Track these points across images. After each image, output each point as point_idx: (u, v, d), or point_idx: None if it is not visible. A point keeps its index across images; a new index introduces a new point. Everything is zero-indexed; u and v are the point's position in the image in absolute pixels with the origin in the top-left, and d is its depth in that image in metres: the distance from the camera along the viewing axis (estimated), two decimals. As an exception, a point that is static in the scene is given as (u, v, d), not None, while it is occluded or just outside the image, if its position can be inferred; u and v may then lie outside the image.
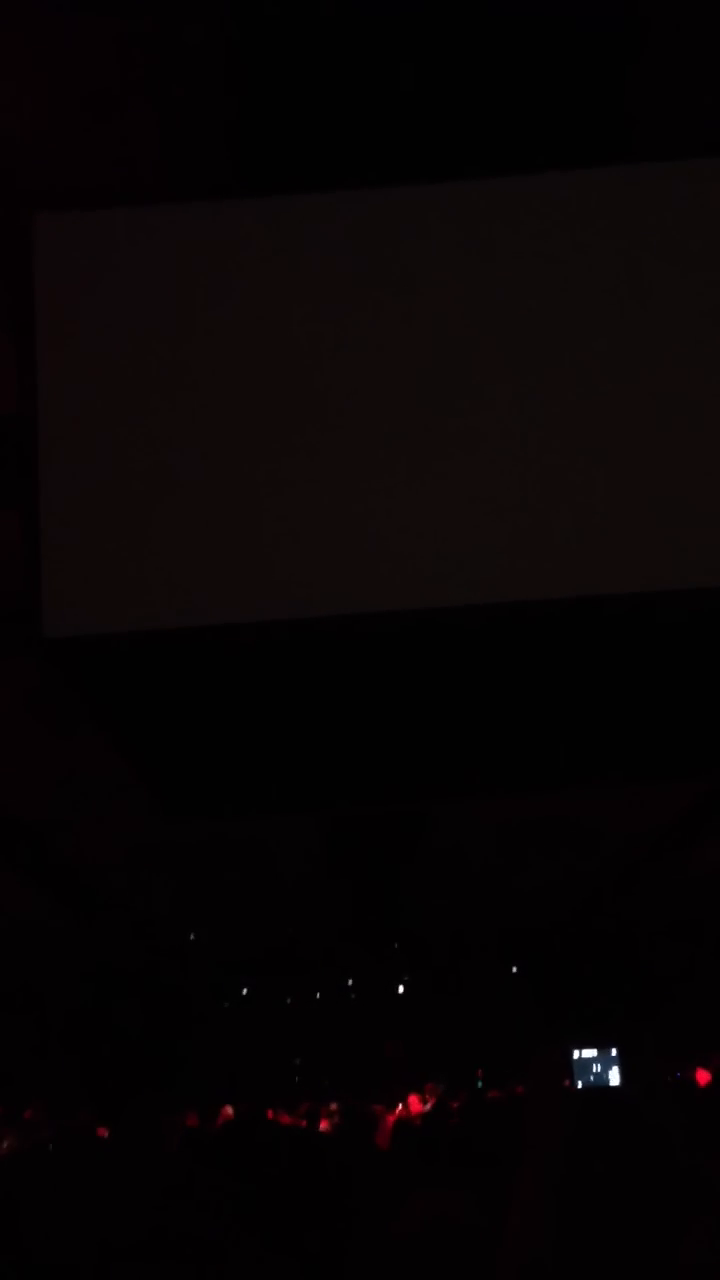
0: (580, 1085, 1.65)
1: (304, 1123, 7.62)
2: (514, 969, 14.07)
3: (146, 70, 2.97)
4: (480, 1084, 11.95)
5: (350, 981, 14.29)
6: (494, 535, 2.68)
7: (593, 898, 10.98)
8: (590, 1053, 1.67)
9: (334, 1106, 7.65)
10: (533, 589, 2.67)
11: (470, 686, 3.59)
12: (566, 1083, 1.64)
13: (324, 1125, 7.02)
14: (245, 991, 14.13)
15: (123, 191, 3.03)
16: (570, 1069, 1.65)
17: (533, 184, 3.00)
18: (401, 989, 14.35)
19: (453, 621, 2.79)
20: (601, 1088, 1.64)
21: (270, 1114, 7.92)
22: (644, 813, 7.74)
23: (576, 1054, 1.67)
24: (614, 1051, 1.64)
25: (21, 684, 4.93)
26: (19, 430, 2.78)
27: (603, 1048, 1.67)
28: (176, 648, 2.89)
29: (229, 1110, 8.69)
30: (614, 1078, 1.65)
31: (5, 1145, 6.44)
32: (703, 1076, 7.81)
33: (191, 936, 11.99)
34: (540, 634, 3.04)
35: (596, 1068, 1.66)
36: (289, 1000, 14.22)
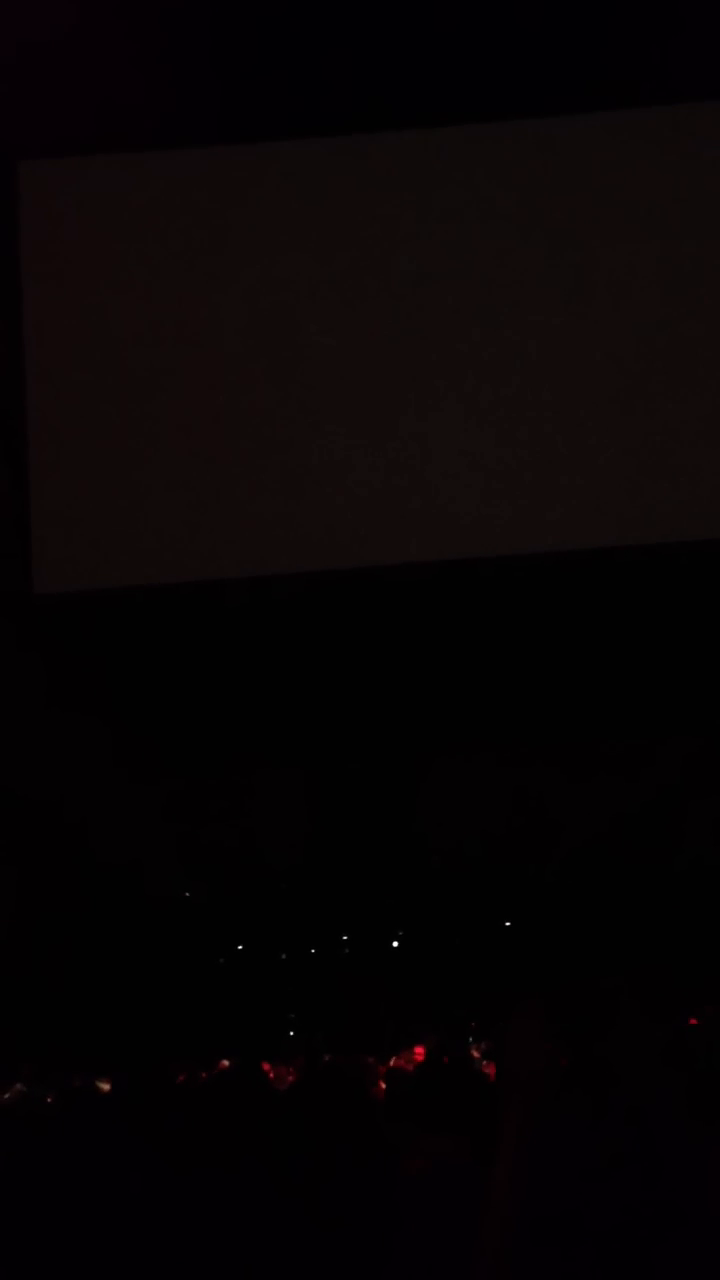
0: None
1: (290, 1077, 7.68)
2: (508, 923, 14.15)
3: (130, 22, 2.92)
4: (472, 1039, 12.05)
5: (345, 937, 14.37)
6: (471, 493, 2.67)
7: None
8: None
9: (327, 1059, 7.70)
10: (502, 545, 2.66)
11: (444, 640, 3.59)
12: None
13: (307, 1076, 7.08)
14: (240, 947, 14.21)
15: (107, 139, 2.97)
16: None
17: (520, 130, 2.96)
18: (396, 944, 14.43)
19: (429, 576, 2.77)
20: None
21: (266, 1066, 7.97)
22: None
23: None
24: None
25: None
26: (5, 389, 2.75)
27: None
28: (161, 603, 2.87)
29: (224, 1063, 8.74)
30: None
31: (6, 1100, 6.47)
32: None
33: (186, 894, 12.03)
34: (502, 590, 3.03)
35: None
36: (283, 955, 14.31)
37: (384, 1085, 5.99)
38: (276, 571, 2.74)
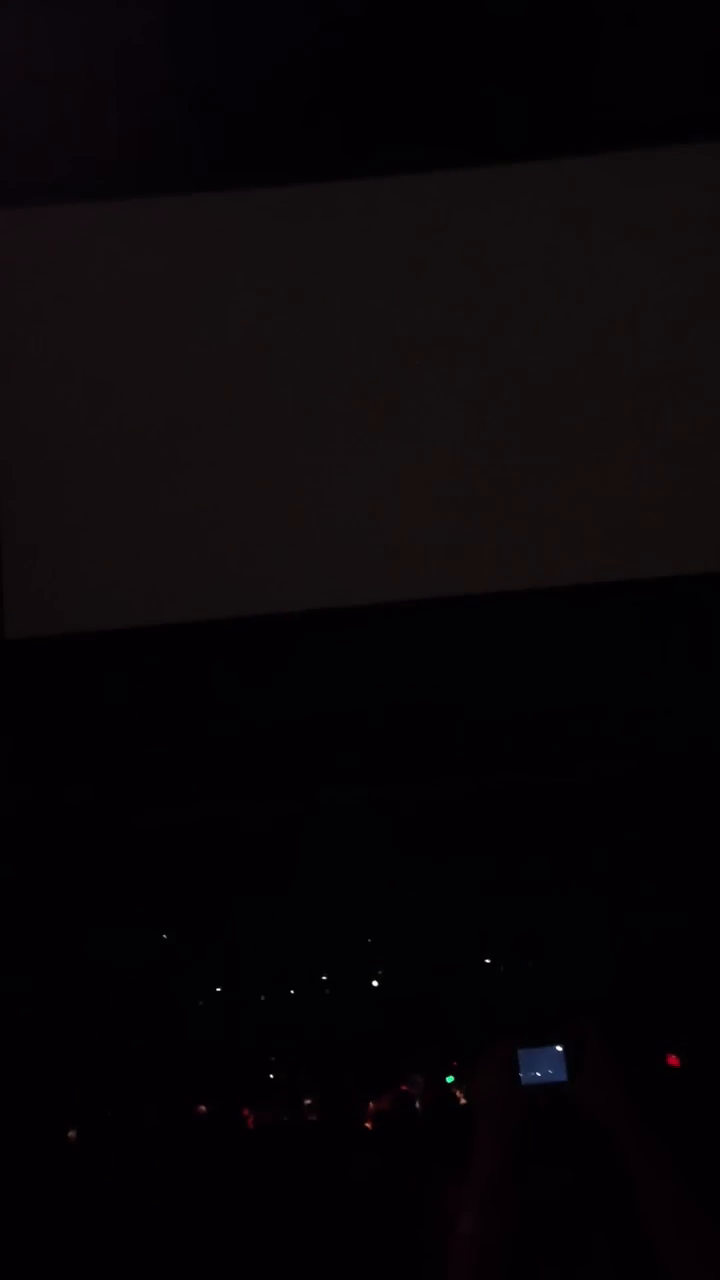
0: (527, 1082, 1.63)
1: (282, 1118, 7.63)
2: (487, 960, 14.13)
3: (94, 68, 2.95)
4: (452, 1079, 11.99)
5: (325, 977, 14.30)
6: (447, 531, 2.69)
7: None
8: (539, 1049, 1.65)
9: (308, 1101, 7.66)
10: (478, 583, 2.68)
11: (423, 675, 3.60)
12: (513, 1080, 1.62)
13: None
14: (219, 990, 14.13)
15: (72, 186, 3.00)
16: (517, 1065, 1.63)
17: (497, 175, 3.00)
18: (376, 983, 14.37)
19: (400, 616, 2.79)
20: (550, 1084, 1.63)
21: (245, 1112, 7.91)
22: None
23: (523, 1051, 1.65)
24: (559, 1047, 1.62)
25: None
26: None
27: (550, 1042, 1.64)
28: (134, 646, 2.88)
29: (201, 1109, 8.67)
30: (562, 1073, 1.64)
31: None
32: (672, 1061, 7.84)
33: (164, 937, 11.95)
34: (480, 626, 3.05)
35: (547, 1067, 1.64)
36: (262, 997, 14.22)
37: (370, 1125, 5.97)
38: (257, 612, 2.75)
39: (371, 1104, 6.78)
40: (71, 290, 2.75)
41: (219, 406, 2.66)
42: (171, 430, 2.73)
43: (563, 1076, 1.62)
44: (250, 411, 2.67)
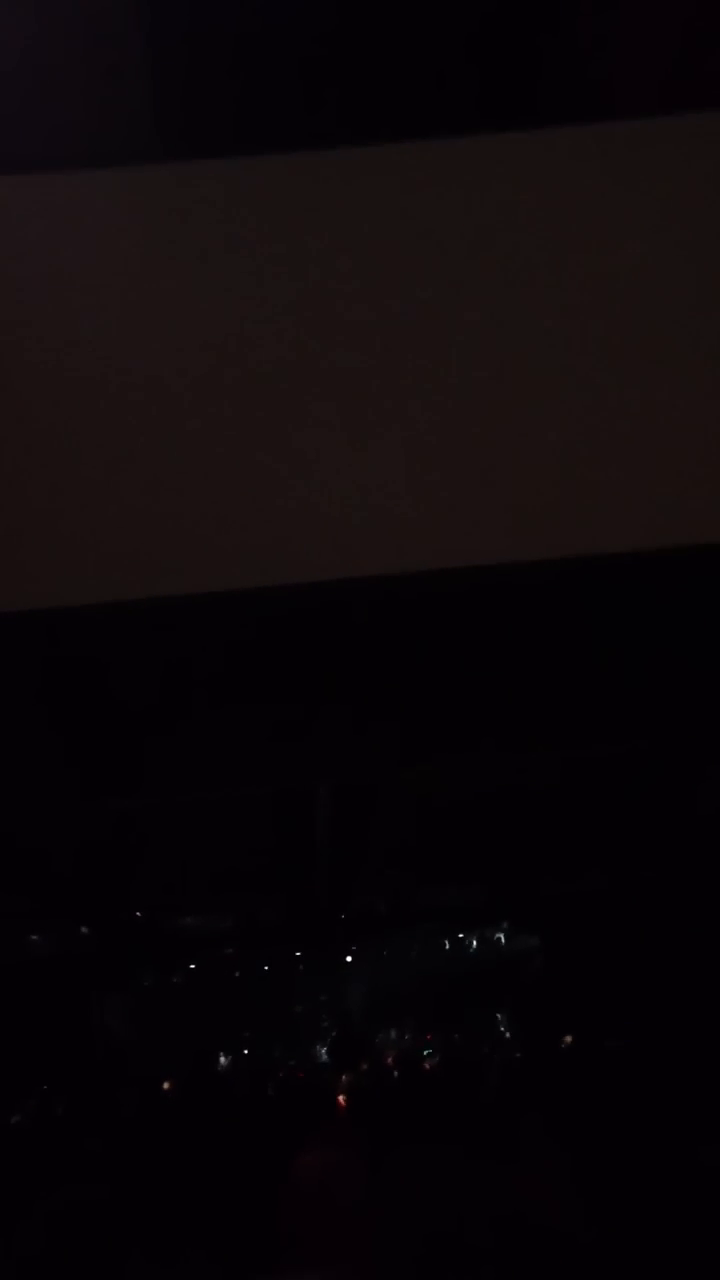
0: None
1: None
2: (460, 936, 14.22)
3: (67, 37, 2.92)
4: (428, 1051, 12.08)
5: (298, 953, 14.35)
6: (428, 506, 2.68)
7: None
8: None
9: (282, 1074, 7.69)
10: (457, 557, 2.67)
11: (405, 653, 3.60)
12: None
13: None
14: (193, 967, 14.14)
15: (44, 158, 2.97)
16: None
17: (462, 149, 2.98)
18: (350, 959, 14.43)
19: (378, 591, 2.78)
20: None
21: (222, 1089, 7.95)
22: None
23: None
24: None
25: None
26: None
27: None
28: (115, 621, 2.86)
29: (166, 1085, 8.69)
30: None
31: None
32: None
33: (137, 914, 11.95)
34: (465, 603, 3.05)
35: None
36: (237, 974, 14.26)
37: (343, 1098, 6.01)
38: (238, 587, 2.73)
39: (345, 1075, 6.82)
40: (54, 262, 2.72)
41: (207, 378, 2.64)
42: (155, 402, 2.71)
43: None
44: (237, 382, 2.65)
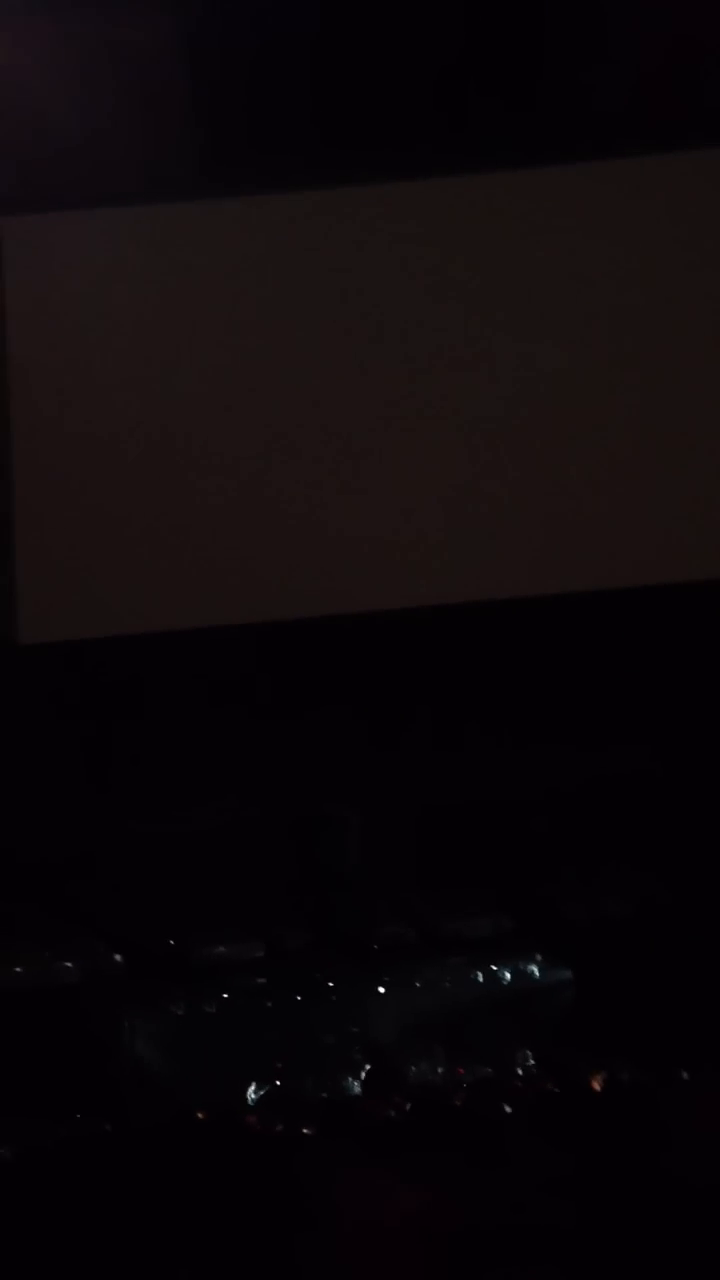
0: None
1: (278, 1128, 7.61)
2: (493, 967, 14.09)
3: (114, 70, 2.97)
4: (463, 1084, 11.96)
5: (331, 984, 14.26)
6: (446, 542, 2.69)
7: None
8: None
9: (314, 1105, 7.63)
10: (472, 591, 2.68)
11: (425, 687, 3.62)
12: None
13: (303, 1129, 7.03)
14: (226, 996, 14.08)
15: (93, 194, 3.02)
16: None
17: (503, 182, 3.00)
18: (382, 990, 14.34)
19: (404, 623, 2.80)
20: None
21: (251, 1120, 7.89)
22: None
23: None
24: None
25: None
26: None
27: None
28: (151, 652, 2.88)
29: (200, 1115, 8.63)
30: None
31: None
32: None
33: (170, 942, 11.95)
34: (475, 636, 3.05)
35: None
36: (269, 1003, 14.18)
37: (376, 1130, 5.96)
38: (269, 619, 2.76)
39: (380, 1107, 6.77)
40: (88, 297, 2.77)
41: (236, 412, 2.67)
42: (187, 435, 2.75)
43: None
44: (266, 416, 2.69)
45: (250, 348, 2.71)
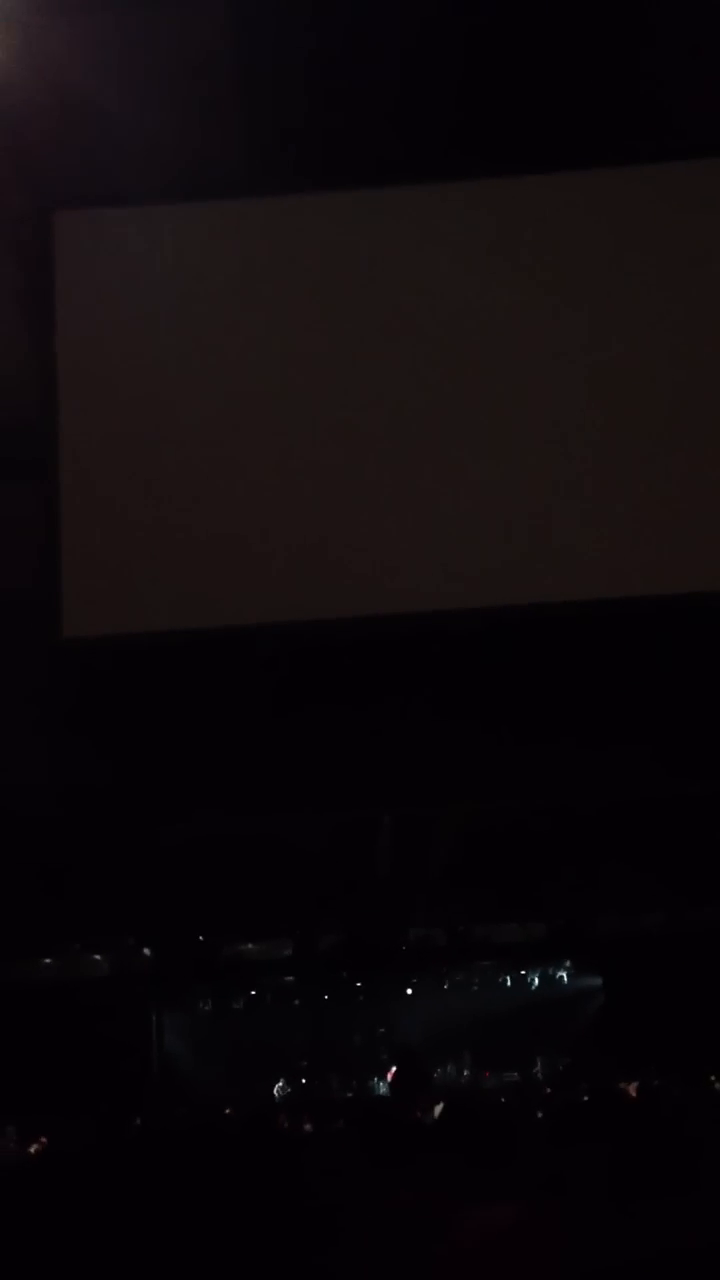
0: None
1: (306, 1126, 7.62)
2: (522, 973, 14.06)
3: (164, 75, 2.98)
4: (485, 1085, 11.94)
5: (359, 984, 14.26)
6: (475, 546, 2.69)
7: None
8: None
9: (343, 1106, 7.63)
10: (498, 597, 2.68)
11: (461, 690, 3.60)
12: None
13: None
14: (253, 993, 14.11)
15: (139, 190, 3.04)
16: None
17: (533, 186, 3.00)
18: (410, 990, 14.31)
19: (441, 625, 2.80)
20: None
21: (281, 1118, 7.91)
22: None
23: None
24: None
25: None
26: (39, 434, 2.80)
27: None
28: (189, 648, 2.89)
29: (228, 1113, 8.66)
30: None
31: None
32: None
33: (200, 938, 11.98)
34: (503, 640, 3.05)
35: None
36: (296, 1002, 14.20)
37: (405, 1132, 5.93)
38: (304, 618, 2.76)
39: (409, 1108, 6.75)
40: (137, 292, 2.78)
41: (284, 410, 2.68)
42: (234, 433, 2.75)
43: None
44: (315, 412, 2.69)
45: (300, 346, 2.71)
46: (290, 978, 13.91)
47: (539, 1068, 13.31)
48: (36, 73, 2.80)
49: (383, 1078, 13.96)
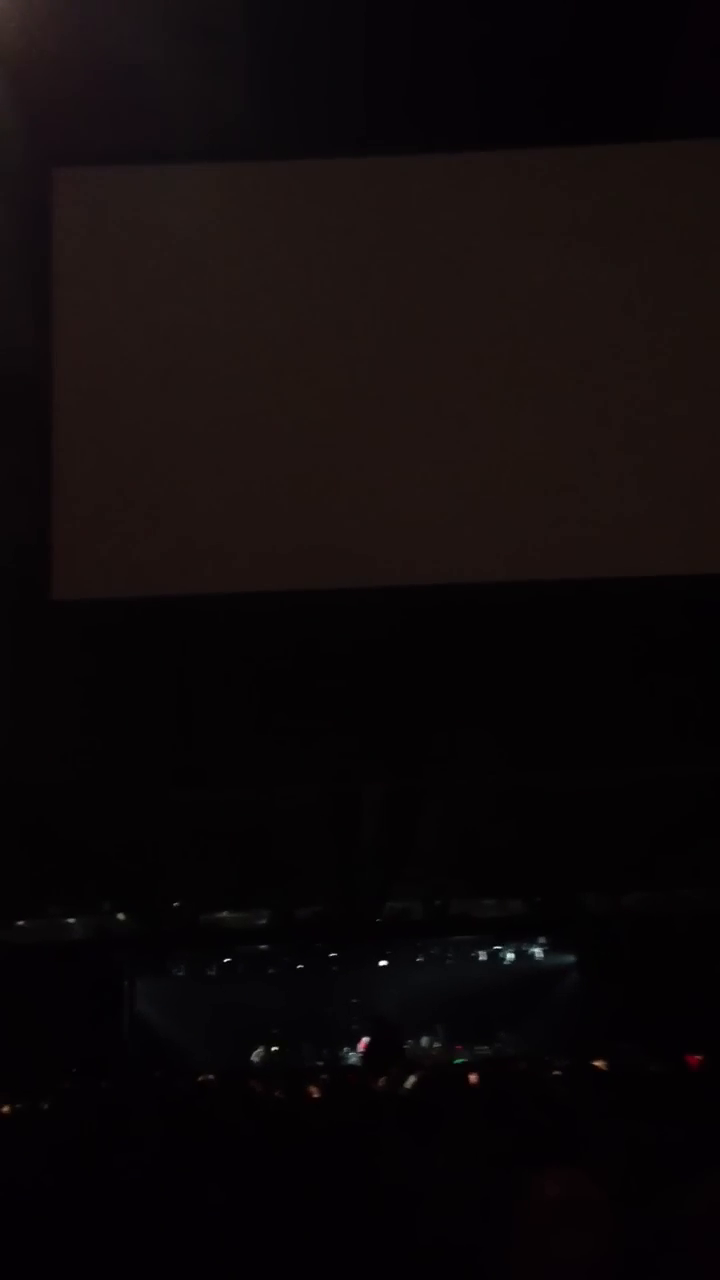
0: None
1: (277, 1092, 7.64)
2: (496, 948, 14.14)
3: (169, 37, 2.94)
4: (459, 1061, 12.02)
5: (333, 954, 14.32)
6: (473, 520, 2.68)
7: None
8: None
9: (323, 1077, 7.65)
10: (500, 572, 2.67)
11: (451, 661, 3.60)
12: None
13: (312, 1093, 7.06)
14: (228, 961, 14.15)
15: (138, 150, 3.00)
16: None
17: (547, 157, 2.97)
18: (384, 962, 14.38)
19: (429, 600, 2.79)
20: None
21: (253, 1084, 7.93)
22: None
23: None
24: None
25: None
26: (35, 394, 2.76)
27: None
28: (178, 614, 2.87)
29: (209, 1078, 8.69)
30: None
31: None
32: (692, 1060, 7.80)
33: (175, 904, 11.98)
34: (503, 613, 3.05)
35: None
36: (271, 971, 14.25)
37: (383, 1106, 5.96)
38: (296, 587, 2.75)
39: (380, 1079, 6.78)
40: (136, 251, 2.74)
41: (282, 375, 2.65)
42: (227, 399, 2.72)
43: None
44: (314, 378, 2.66)
45: (299, 310, 2.68)
46: (265, 946, 13.96)
47: (507, 1042, 13.43)
48: (44, 28, 2.75)
49: (353, 1048, 14.04)
